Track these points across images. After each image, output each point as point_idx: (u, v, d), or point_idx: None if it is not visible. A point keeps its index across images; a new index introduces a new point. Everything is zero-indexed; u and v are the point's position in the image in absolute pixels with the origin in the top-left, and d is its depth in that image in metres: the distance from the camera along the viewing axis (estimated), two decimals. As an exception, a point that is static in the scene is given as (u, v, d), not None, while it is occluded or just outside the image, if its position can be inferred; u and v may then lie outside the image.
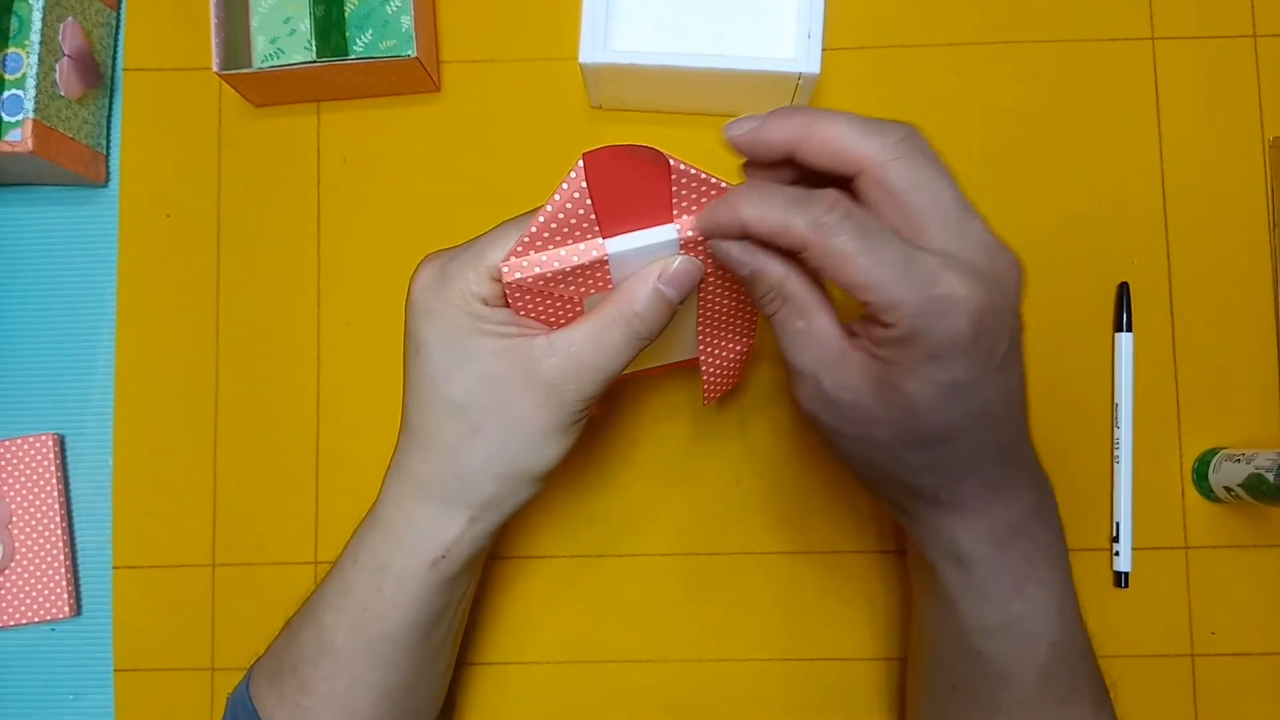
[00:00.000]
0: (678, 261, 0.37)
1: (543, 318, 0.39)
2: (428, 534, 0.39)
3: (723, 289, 0.40)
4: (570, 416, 0.38)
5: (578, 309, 0.39)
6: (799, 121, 0.34)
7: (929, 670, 0.43)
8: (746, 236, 0.35)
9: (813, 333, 0.35)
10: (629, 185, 0.35)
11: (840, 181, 0.35)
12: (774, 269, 0.35)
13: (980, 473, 0.36)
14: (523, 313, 0.38)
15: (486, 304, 0.37)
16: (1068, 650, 0.39)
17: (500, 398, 0.37)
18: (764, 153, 0.36)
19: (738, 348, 0.45)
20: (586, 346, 0.37)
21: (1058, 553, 0.38)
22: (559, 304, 0.38)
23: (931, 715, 0.44)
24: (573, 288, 0.37)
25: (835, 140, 0.34)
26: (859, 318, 0.35)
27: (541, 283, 0.37)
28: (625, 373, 0.41)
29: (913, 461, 0.35)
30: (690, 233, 0.36)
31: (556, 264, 0.36)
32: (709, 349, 0.44)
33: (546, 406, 0.38)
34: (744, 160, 0.37)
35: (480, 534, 0.39)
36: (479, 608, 0.53)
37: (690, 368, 0.46)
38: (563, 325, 0.39)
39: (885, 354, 0.34)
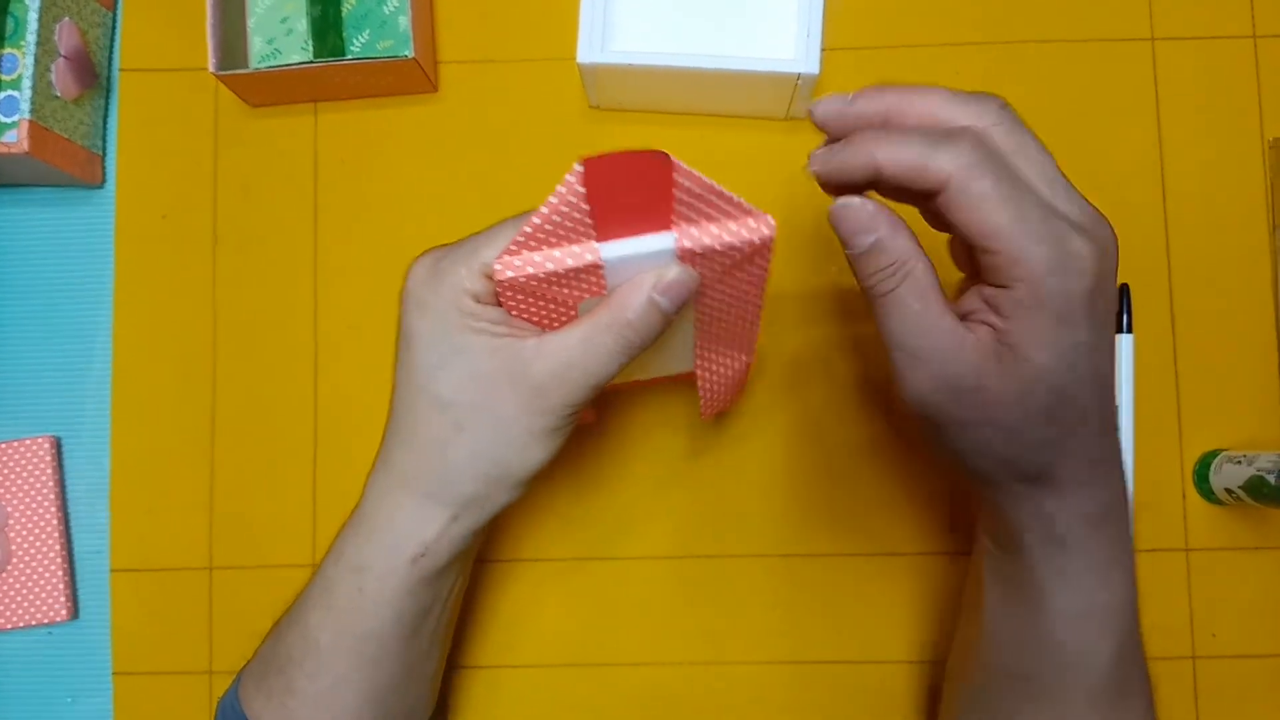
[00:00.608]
0: (674, 271, 0.36)
1: (535, 319, 0.38)
2: (407, 531, 0.39)
3: (721, 302, 0.39)
4: (557, 420, 0.38)
5: (571, 312, 0.38)
6: (892, 97, 0.34)
7: (991, 664, 0.42)
8: (874, 185, 0.34)
9: (931, 315, 0.34)
10: (629, 190, 0.34)
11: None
12: (902, 240, 0.34)
13: (1086, 446, 0.35)
14: (515, 313, 0.38)
15: (479, 301, 0.37)
16: (1135, 642, 0.39)
17: (487, 396, 0.37)
18: (853, 127, 0.35)
19: (736, 364, 0.44)
20: (576, 351, 0.37)
21: (1130, 542, 0.38)
22: (551, 306, 0.38)
23: (978, 710, 0.43)
24: (565, 290, 0.37)
25: (933, 111, 0.33)
26: (968, 293, 0.35)
27: (534, 283, 0.36)
28: (618, 382, 0.41)
29: (1028, 437, 0.35)
30: (687, 243, 0.35)
31: (550, 265, 0.35)
32: (706, 363, 0.43)
33: (532, 409, 0.37)
34: (822, 141, 0.37)
35: (460, 533, 0.39)
36: (474, 610, 0.53)
37: (687, 381, 0.45)
38: (555, 328, 0.38)
39: (1009, 323, 0.33)
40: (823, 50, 0.48)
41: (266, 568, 0.53)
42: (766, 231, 0.35)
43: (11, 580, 0.53)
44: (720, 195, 0.34)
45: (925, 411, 0.35)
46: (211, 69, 0.51)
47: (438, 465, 0.38)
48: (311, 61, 0.52)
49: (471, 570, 0.45)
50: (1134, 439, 0.53)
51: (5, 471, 0.53)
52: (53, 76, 0.52)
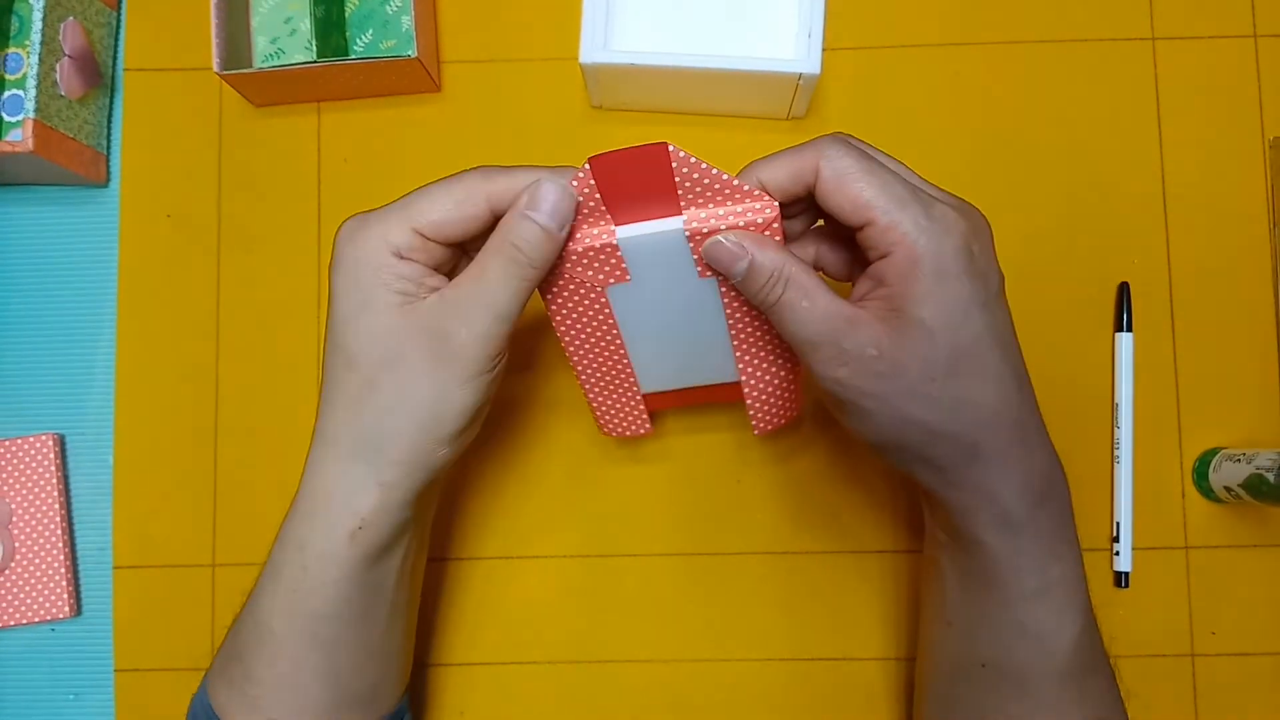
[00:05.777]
0: (545, 185, 0.37)
1: (573, 315, 0.40)
2: (342, 501, 0.38)
3: (750, 307, 0.41)
4: (470, 367, 0.37)
5: (601, 298, 0.40)
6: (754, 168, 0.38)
7: (953, 654, 0.42)
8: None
9: (819, 305, 0.36)
10: (637, 182, 0.36)
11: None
12: (771, 254, 0.37)
13: (1008, 412, 0.37)
14: (559, 315, 0.40)
15: (400, 257, 0.37)
16: (1091, 618, 0.40)
17: (394, 351, 0.37)
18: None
19: (782, 373, 0.44)
20: (470, 286, 0.37)
21: (1072, 516, 0.40)
22: (580, 294, 0.40)
23: (948, 703, 0.43)
24: (589, 273, 0.39)
25: (789, 156, 0.37)
26: (859, 282, 0.38)
27: (567, 265, 0.38)
28: (658, 390, 0.44)
29: (943, 398, 0.36)
30: (695, 224, 0.38)
31: (572, 244, 0.38)
32: (751, 374, 0.44)
33: (441, 357, 0.37)
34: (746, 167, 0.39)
35: (395, 501, 0.38)
36: (471, 607, 0.53)
37: (735, 398, 0.46)
38: (589, 318, 0.40)
39: (892, 289, 0.36)
40: (823, 50, 0.49)
41: (269, 565, 0.53)
42: (769, 213, 0.37)
43: (14, 577, 0.53)
44: (723, 181, 0.37)
45: (844, 395, 0.37)
46: (215, 69, 0.51)
47: (356, 423, 0.38)
48: (315, 61, 0.52)
49: (428, 546, 0.45)
50: (1133, 438, 0.53)
51: (9, 469, 0.54)
52: (57, 76, 0.52)
